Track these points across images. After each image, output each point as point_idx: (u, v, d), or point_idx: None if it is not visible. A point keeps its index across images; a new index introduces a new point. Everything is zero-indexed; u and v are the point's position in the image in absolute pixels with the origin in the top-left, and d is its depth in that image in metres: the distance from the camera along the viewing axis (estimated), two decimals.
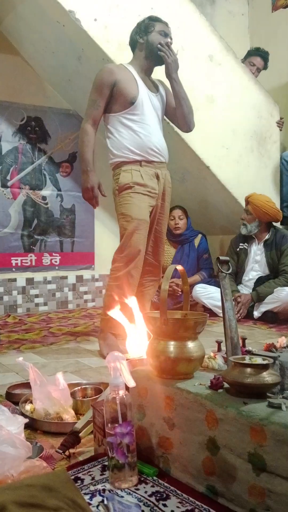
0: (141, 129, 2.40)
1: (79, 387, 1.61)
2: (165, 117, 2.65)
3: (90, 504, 0.92)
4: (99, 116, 2.42)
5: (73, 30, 3.10)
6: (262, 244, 3.54)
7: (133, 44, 2.52)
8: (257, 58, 4.07)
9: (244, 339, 1.40)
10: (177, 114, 2.57)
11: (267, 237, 3.53)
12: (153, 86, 2.53)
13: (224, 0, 4.88)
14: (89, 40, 3.09)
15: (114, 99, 2.40)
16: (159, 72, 2.58)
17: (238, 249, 3.64)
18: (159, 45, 2.42)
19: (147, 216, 2.42)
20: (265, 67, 4.11)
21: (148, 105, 2.44)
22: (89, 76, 3.43)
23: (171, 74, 2.47)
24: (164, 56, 2.42)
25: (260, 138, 3.87)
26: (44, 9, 3.12)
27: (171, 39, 2.48)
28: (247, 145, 3.81)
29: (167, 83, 2.58)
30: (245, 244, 3.62)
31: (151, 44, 2.44)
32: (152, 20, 2.48)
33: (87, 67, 3.37)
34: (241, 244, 3.63)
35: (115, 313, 1.31)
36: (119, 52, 3.05)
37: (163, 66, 2.48)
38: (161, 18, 2.52)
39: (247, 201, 3.51)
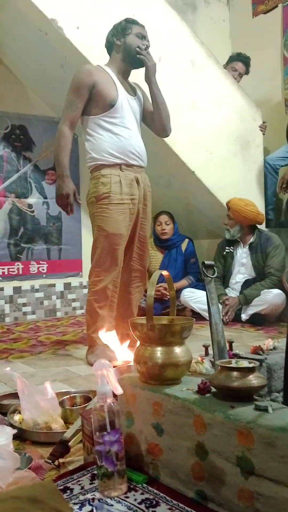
0: (122, 132, 2.37)
1: (68, 396, 1.60)
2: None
3: None
4: (76, 118, 2.37)
5: (55, 38, 3.10)
6: (247, 247, 3.57)
7: (110, 46, 2.49)
8: (238, 63, 4.11)
9: (231, 342, 1.41)
10: (155, 118, 2.54)
11: (251, 240, 3.56)
12: (131, 89, 2.50)
13: (205, 6, 4.93)
14: (72, 48, 3.09)
15: (92, 101, 2.36)
16: (134, 76, 2.58)
17: (224, 253, 3.66)
18: (137, 49, 2.39)
19: (124, 229, 2.38)
20: (246, 72, 4.16)
21: (128, 108, 2.41)
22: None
23: (150, 78, 2.45)
24: (144, 60, 2.39)
25: (243, 142, 3.91)
26: (26, 17, 3.12)
27: (148, 41, 2.46)
28: (230, 149, 3.84)
29: (143, 86, 2.57)
30: (231, 247, 3.64)
31: (128, 47, 2.41)
32: (129, 22, 2.45)
33: (71, 74, 3.34)
34: (227, 247, 3.66)
35: (103, 335, 1.32)
36: (103, 59, 3.05)
37: (139, 69, 2.46)
38: (139, 21, 2.49)
39: (228, 206, 3.53)
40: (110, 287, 2.35)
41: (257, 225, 3.60)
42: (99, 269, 2.35)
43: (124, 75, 2.48)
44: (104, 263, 2.34)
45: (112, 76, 2.41)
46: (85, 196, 2.52)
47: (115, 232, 2.34)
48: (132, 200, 2.40)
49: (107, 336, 1.31)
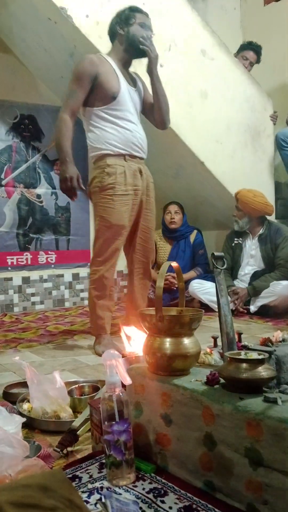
0: (125, 124, 2.36)
1: (76, 385, 1.61)
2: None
3: (88, 502, 0.92)
4: (77, 108, 2.34)
5: (65, 27, 3.08)
6: (257, 238, 3.55)
7: (113, 35, 2.45)
8: (249, 52, 4.06)
9: (240, 334, 1.40)
10: (155, 111, 2.52)
11: (261, 231, 3.54)
12: (131, 80, 2.47)
13: None
14: (81, 37, 3.07)
15: (94, 93, 2.33)
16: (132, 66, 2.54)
17: (233, 244, 3.64)
18: (141, 39, 2.34)
19: (127, 220, 2.38)
20: (257, 61, 4.11)
21: (129, 100, 2.39)
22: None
23: (152, 69, 2.41)
24: (147, 51, 2.35)
25: (254, 132, 3.87)
26: (35, 6, 3.10)
27: (151, 31, 2.41)
28: (241, 139, 3.81)
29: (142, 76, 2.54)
30: (240, 239, 3.62)
31: (132, 37, 2.36)
32: (133, 10, 2.39)
33: None
34: (236, 239, 3.64)
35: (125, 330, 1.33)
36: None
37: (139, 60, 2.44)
38: (149, 10, 2.45)
39: (236, 198, 3.51)
40: (106, 276, 2.35)
41: (266, 216, 3.58)
42: (99, 259, 2.36)
43: (125, 65, 2.46)
44: (104, 253, 2.35)
45: (114, 66, 2.38)
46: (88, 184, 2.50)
47: (118, 223, 2.34)
48: (135, 191, 2.40)
49: (126, 329, 1.32)
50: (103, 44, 3.05)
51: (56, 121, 2.38)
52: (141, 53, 2.41)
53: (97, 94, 2.33)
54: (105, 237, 2.34)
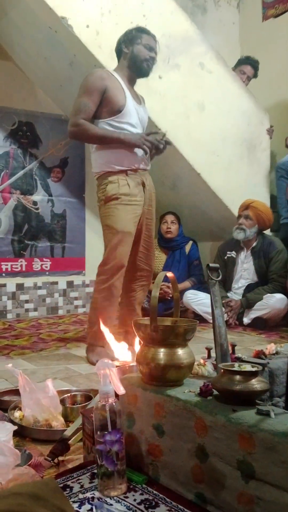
0: None
1: (69, 394, 1.60)
2: None
3: None
4: (89, 119, 2.36)
5: (65, 36, 3.11)
6: (250, 251, 3.56)
7: (119, 52, 2.52)
8: (247, 67, 4.11)
9: (234, 346, 1.41)
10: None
11: (254, 244, 3.55)
12: (137, 97, 2.53)
13: (215, 9, 4.93)
14: (81, 46, 3.10)
15: (102, 106, 2.37)
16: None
17: (225, 257, 3.64)
18: (144, 63, 2.42)
19: (132, 228, 2.42)
20: (255, 75, 4.16)
21: (135, 115, 2.44)
22: (81, 82, 3.45)
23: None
24: (146, 151, 2.38)
25: (250, 145, 3.91)
26: (36, 15, 3.13)
27: (155, 53, 2.48)
28: (237, 152, 3.84)
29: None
30: (233, 252, 3.63)
31: (135, 56, 2.44)
32: (140, 31, 2.47)
33: (79, 73, 3.38)
34: (228, 252, 3.64)
35: (106, 333, 1.32)
36: (111, 59, 3.05)
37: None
38: (150, 30, 2.50)
39: (248, 206, 3.51)
40: (116, 285, 2.37)
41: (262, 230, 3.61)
42: (107, 267, 2.37)
43: (130, 82, 2.51)
44: (112, 261, 2.36)
45: (120, 82, 2.44)
46: (94, 199, 2.54)
47: (123, 230, 2.37)
48: (138, 202, 2.43)
49: (108, 335, 1.31)
50: (103, 54, 3.09)
51: (72, 129, 2.36)
52: (142, 73, 2.49)
53: (104, 107, 2.37)
54: (112, 244, 2.36)
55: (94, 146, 2.45)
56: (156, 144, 2.37)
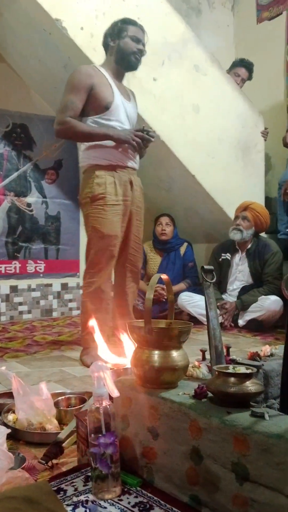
0: None
1: (63, 397, 1.60)
2: None
3: None
4: (75, 117, 2.31)
5: (59, 38, 3.10)
6: (245, 253, 3.57)
7: (106, 47, 2.47)
8: (241, 69, 4.12)
9: (228, 348, 1.40)
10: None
11: (249, 246, 3.56)
12: (125, 93, 2.49)
13: (210, 11, 4.95)
14: (76, 49, 3.10)
15: (89, 103, 2.33)
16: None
17: (220, 259, 3.65)
18: (131, 56, 2.38)
19: (118, 230, 2.38)
20: (249, 77, 4.17)
21: (123, 112, 2.40)
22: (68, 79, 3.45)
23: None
24: (135, 147, 2.34)
25: (245, 147, 3.92)
26: (30, 16, 3.13)
27: (143, 45, 2.42)
28: (232, 154, 3.85)
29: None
30: (227, 254, 3.63)
31: (121, 50, 2.38)
32: (126, 23, 2.41)
33: None
34: (223, 254, 3.65)
35: (95, 335, 1.31)
36: None
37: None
38: (143, 24, 2.46)
39: (246, 208, 3.52)
40: (103, 289, 2.34)
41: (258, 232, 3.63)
42: (93, 270, 2.34)
43: (118, 77, 2.47)
44: (98, 264, 2.33)
45: (107, 77, 2.40)
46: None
47: (110, 233, 2.33)
48: (125, 201, 2.40)
49: (97, 338, 1.31)
50: (97, 56, 3.08)
51: (58, 127, 2.32)
52: (130, 66, 2.44)
53: (91, 104, 2.34)
54: (98, 247, 2.33)
55: (84, 144, 2.41)
56: (147, 138, 2.32)
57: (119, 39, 2.39)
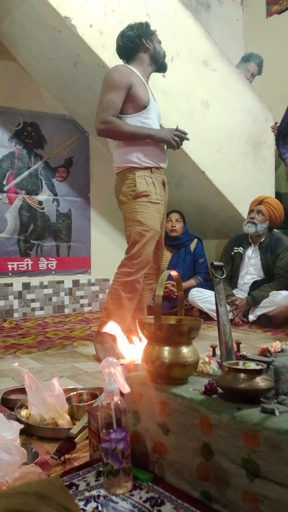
0: None
1: (75, 392, 1.61)
2: None
3: (84, 510, 0.92)
4: (117, 115, 2.32)
5: (69, 36, 3.11)
6: (257, 247, 3.56)
7: (135, 47, 2.45)
8: (251, 64, 4.09)
9: (238, 344, 1.41)
10: None
11: (262, 240, 3.55)
12: (151, 93, 2.52)
13: (219, 6, 4.92)
14: (85, 46, 3.10)
15: (127, 101, 2.35)
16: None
17: (232, 253, 3.65)
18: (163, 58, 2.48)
19: (159, 227, 2.45)
20: (259, 72, 4.14)
21: (154, 111, 2.45)
22: (85, 82, 3.46)
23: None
24: (174, 146, 2.42)
25: (255, 143, 3.90)
26: (40, 14, 3.14)
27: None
28: (242, 149, 3.83)
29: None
30: (240, 248, 3.63)
31: (158, 52, 2.46)
32: (149, 27, 2.48)
33: (83, 72, 3.39)
34: (235, 248, 3.65)
35: (113, 327, 1.32)
36: (115, 58, 3.06)
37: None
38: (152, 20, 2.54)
39: (261, 202, 3.52)
40: (140, 281, 2.39)
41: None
42: (135, 261, 2.37)
43: (147, 78, 2.51)
44: (140, 257, 2.36)
45: (141, 77, 2.43)
46: (111, 194, 2.53)
47: (154, 228, 2.39)
48: (161, 201, 2.46)
49: (116, 331, 1.31)
50: (107, 54, 3.09)
51: (102, 126, 2.31)
52: (164, 68, 2.53)
53: (130, 103, 2.36)
54: (144, 241, 2.36)
55: (117, 142, 2.42)
56: (184, 137, 2.42)
57: (153, 42, 2.46)
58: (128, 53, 2.49)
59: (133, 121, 2.36)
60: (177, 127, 2.44)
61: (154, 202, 2.39)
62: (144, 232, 2.37)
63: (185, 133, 2.43)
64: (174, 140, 2.39)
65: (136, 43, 2.45)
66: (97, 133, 2.38)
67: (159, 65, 2.50)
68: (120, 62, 2.55)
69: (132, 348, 1.29)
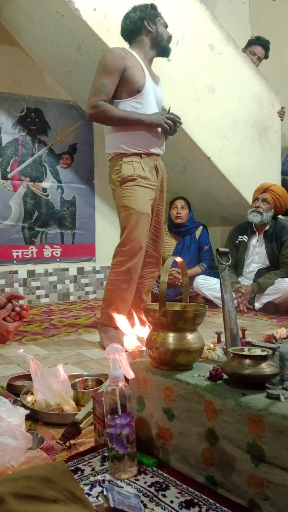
0: None
1: (80, 379, 1.61)
2: None
3: (89, 494, 0.93)
4: (108, 100, 2.29)
5: (72, 20, 3.07)
6: (262, 235, 3.54)
7: (137, 30, 2.41)
8: (258, 47, 4.03)
9: (244, 330, 1.40)
10: None
11: (267, 228, 3.52)
12: (154, 77, 2.48)
13: None
14: (89, 30, 3.06)
15: (121, 85, 2.31)
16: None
17: (237, 242, 3.63)
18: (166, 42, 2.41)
19: (149, 209, 2.38)
20: (266, 56, 4.08)
21: (152, 96, 2.39)
22: (89, 67, 3.42)
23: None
24: (167, 130, 2.35)
25: (261, 128, 3.85)
26: None
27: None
28: (248, 135, 3.79)
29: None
30: (244, 236, 3.60)
31: (160, 36, 2.40)
32: (155, 9, 2.42)
33: (87, 57, 3.35)
34: (239, 236, 3.62)
35: (119, 319, 1.31)
36: (119, 42, 3.01)
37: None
38: (158, 4, 2.47)
39: (266, 190, 3.48)
40: (136, 269, 2.34)
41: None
42: (125, 248, 2.33)
43: (149, 62, 2.46)
44: (130, 242, 2.32)
45: (140, 61, 2.38)
46: (105, 182, 2.50)
47: (142, 211, 2.33)
48: (152, 186, 2.41)
49: (120, 320, 1.31)
50: (111, 38, 3.04)
51: (92, 111, 2.29)
52: (166, 52, 2.46)
53: (123, 87, 2.32)
54: (130, 225, 2.31)
55: (109, 127, 2.39)
56: (177, 121, 2.35)
57: (156, 24, 2.40)
58: (130, 35, 2.45)
59: (125, 105, 2.32)
60: (169, 110, 2.37)
61: (142, 185, 2.33)
62: (129, 215, 2.31)
63: (178, 117, 2.37)
64: (167, 123, 2.32)
65: (138, 25, 2.40)
66: (87, 117, 2.37)
67: (161, 49, 2.43)
68: (125, 45, 2.51)
69: (135, 334, 1.29)
